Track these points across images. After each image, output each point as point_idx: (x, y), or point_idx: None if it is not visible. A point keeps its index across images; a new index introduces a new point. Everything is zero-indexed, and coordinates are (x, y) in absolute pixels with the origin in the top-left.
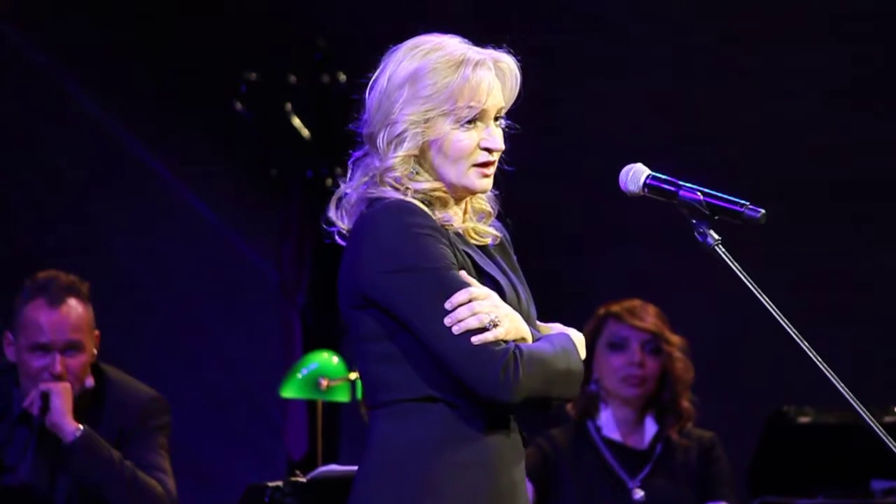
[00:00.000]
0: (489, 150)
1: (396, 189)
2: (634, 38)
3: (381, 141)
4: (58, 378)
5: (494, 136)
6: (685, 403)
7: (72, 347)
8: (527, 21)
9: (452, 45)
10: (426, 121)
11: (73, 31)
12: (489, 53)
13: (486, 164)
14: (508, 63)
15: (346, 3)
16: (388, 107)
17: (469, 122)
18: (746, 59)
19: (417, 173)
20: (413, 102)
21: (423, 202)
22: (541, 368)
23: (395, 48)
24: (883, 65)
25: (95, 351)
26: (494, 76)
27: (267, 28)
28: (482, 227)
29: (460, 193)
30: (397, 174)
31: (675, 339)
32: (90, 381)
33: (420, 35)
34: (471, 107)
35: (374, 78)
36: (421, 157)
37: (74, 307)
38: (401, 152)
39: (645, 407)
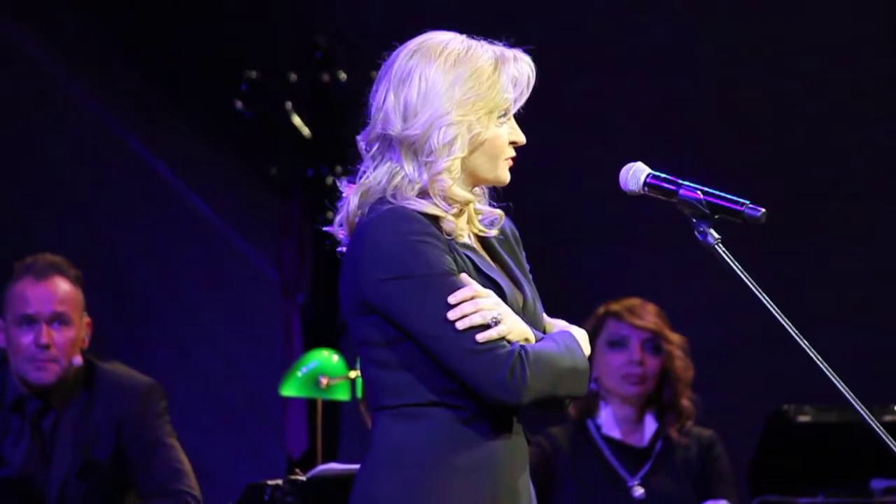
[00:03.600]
0: (514, 144)
1: (445, 199)
2: (634, 35)
3: (433, 142)
4: (44, 349)
5: (519, 130)
6: (685, 402)
7: (58, 320)
8: (526, 17)
9: (480, 45)
10: (478, 120)
11: (73, 30)
12: (514, 51)
13: (510, 157)
14: (529, 61)
15: (346, 2)
16: (437, 109)
17: (504, 116)
18: (747, 58)
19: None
20: (464, 104)
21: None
22: (547, 368)
23: (412, 48)
24: (883, 65)
25: (86, 338)
26: (530, 70)
27: (267, 27)
28: (481, 208)
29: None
30: (448, 178)
31: (675, 337)
32: (78, 360)
33: (429, 32)
34: (512, 101)
35: (396, 79)
36: (465, 159)
37: (60, 283)
38: (455, 154)
39: (645, 405)
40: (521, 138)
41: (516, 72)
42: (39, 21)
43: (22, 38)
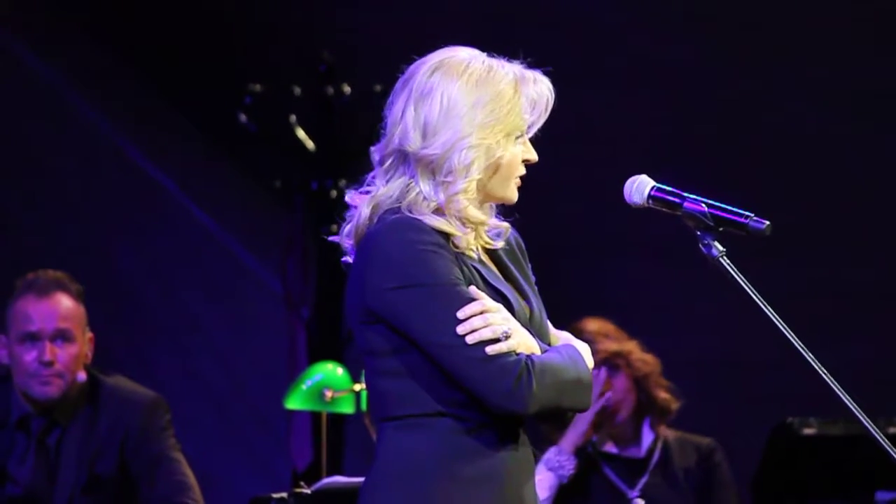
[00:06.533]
0: (526, 162)
1: (461, 220)
2: (637, 48)
3: (452, 163)
4: (48, 366)
5: (531, 148)
6: (661, 394)
7: (61, 337)
8: (527, 31)
9: (501, 65)
10: (497, 143)
11: (76, 43)
12: (534, 73)
13: (520, 176)
14: (549, 83)
15: (350, 16)
16: (457, 130)
17: (520, 137)
18: (749, 70)
19: None
20: (485, 126)
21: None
22: (552, 379)
23: (432, 64)
24: (882, 75)
25: (89, 353)
26: (549, 93)
27: (271, 40)
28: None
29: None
30: (465, 200)
31: (626, 346)
32: (82, 376)
33: (448, 48)
34: (530, 123)
35: (416, 95)
36: (480, 180)
37: (63, 299)
38: (473, 176)
39: (638, 417)
40: (534, 157)
41: (535, 94)
42: (41, 33)
43: (23, 51)
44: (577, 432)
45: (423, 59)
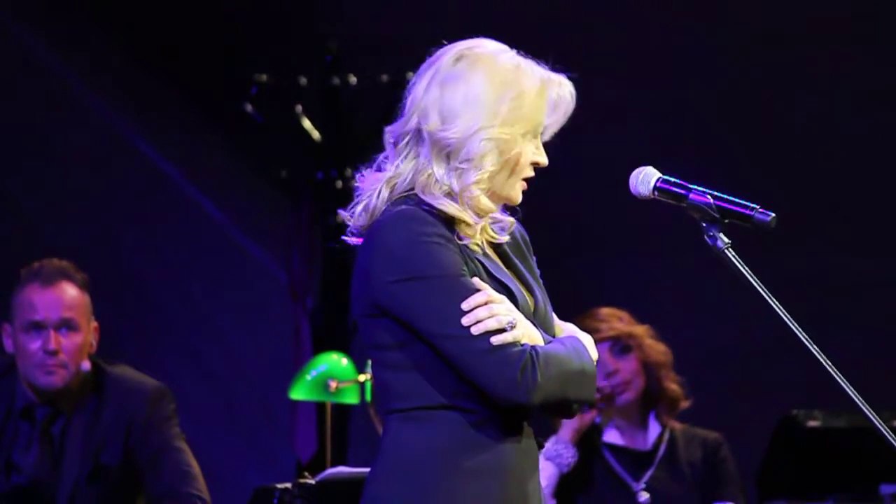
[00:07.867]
0: (535, 165)
1: (472, 209)
2: (638, 39)
3: (470, 151)
4: (52, 355)
5: (543, 151)
6: (671, 385)
7: (66, 326)
8: (531, 23)
9: (528, 63)
10: (514, 139)
11: (84, 34)
12: (559, 77)
13: (528, 178)
14: (572, 89)
15: (356, 6)
16: (479, 119)
17: (535, 138)
18: (751, 65)
19: None
20: (507, 122)
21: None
22: (557, 369)
23: (459, 51)
24: (886, 68)
25: (94, 343)
26: (571, 99)
27: (277, 30)
28: (493, 215)
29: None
30: (477, 190)
31: (638, 329)
32: (87, 365)
33: (477, 39)
34: (547, 125)
35: (440, 78)
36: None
37: (67, 288)
38: (487, 168)
39: (645, 407)
40: (544, 160)
41: (558, 97)
42: (50, 24)
43: (32, 42)
44: (572, 420)
45: (451, 45)
